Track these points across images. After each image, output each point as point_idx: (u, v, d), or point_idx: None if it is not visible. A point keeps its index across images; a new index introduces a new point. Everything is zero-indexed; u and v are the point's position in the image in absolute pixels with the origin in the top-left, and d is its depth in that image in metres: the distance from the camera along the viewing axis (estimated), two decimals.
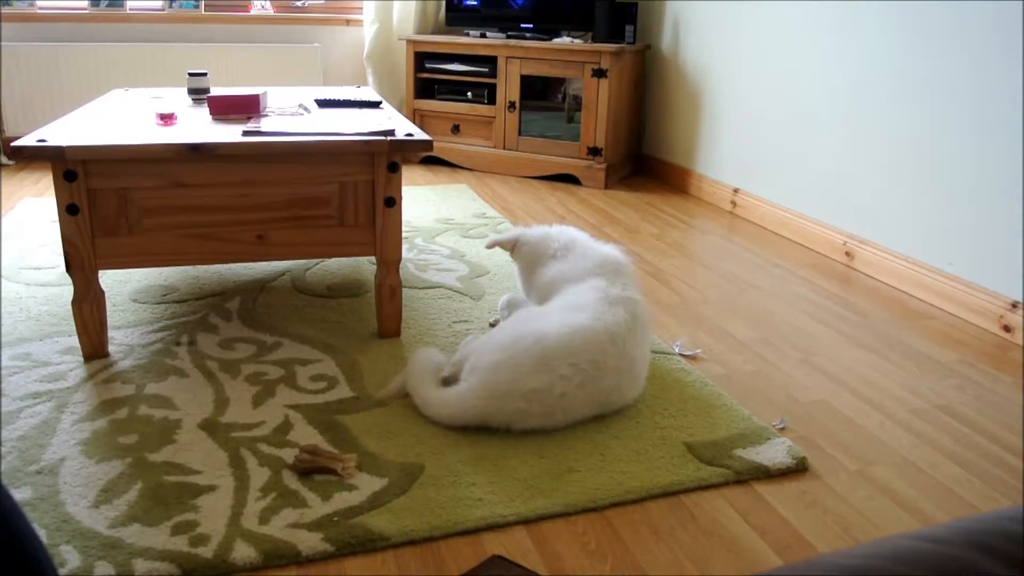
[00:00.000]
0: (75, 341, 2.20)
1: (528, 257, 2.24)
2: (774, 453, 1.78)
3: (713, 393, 2.05)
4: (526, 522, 1.55)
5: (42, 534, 1.46)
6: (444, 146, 4.56)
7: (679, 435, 1.85)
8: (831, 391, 2.12)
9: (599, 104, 4.11)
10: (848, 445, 1.86)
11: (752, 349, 2.35)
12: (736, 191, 3.82)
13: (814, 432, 1.92)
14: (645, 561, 1.46)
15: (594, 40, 4.27)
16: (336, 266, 2.88)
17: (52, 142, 1.94)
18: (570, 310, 1.93)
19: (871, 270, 3.00)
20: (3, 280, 2.68)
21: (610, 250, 2.16)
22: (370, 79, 4.81)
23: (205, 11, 4.62)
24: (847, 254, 3.12)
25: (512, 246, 2.28)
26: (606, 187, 4.21)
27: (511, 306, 2.35)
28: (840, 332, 2.50)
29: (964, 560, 0.61)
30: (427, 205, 3.73)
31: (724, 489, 1.68)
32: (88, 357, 2.14)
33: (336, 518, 1.52)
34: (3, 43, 4.30)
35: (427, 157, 4.70)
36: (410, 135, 2.15)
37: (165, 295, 2.57)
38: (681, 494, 1.66)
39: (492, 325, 2.41)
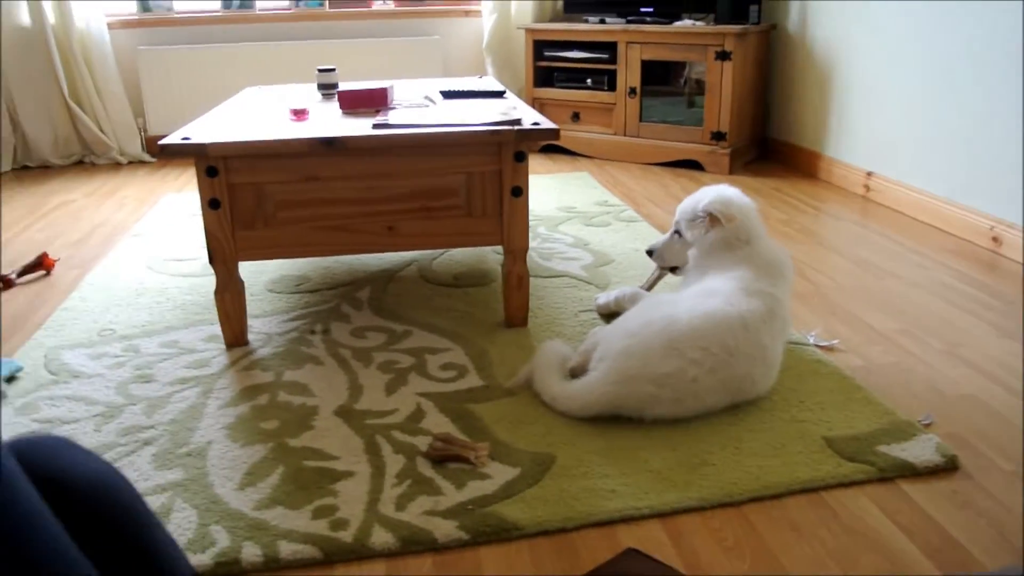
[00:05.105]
0: (217, 330, 2.30)
1: (723, 237, 2.05)
2: (921, 450, 1.70)
3: (852, 386, 1.96)
4: (660, 515, 1.53)
5: (193, 514, 1.54)
6: (564, 134, 4.54)
7: (817, 429, 1.78)
8: (980, 385, 2.00)
9: (723, 87, 4.00)
10: (1001, 443, 1.75)
11: (891, 340, 2.25)
12: (869, 174, 3.65)
13: (963, 429, 1.81)
14: (786, 560, 1.41)
15: (716, 22, 4.16)
16: (461, 256, 2.91)
17: (195, 140, 2.02)
18: (703, 295, 1.90)
19: (1021, 256, 2.82)
20: (150, 271, 2.83)
21: (774, 246, 2.06)
22: (489, 69, 4.84)
23: (329, 8, 4.75)
24: (994, 239, 2.94)
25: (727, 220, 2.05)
26: (731, 172, 4.10)
27: (634, 299, 2.29)
28: (988, 322, 2.35)
29: None
30: (548, 193, 3.73)
31: (867, 487, 1.61)
32: (230, 345, 2.23)
33: (470, 506, 1.54)
34: (144, 47, 4.53)
35: (547, 145, 4.70)
36: (537, 124, 2.14)
37: (299, 285, 2.66)
38: (822, 490, 1.59)
39: (601, 312, 2.38)
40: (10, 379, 2.07)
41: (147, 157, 4.67)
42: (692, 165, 4.22)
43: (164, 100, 4.61)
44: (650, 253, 2.29)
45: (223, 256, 2.13)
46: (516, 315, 2.30)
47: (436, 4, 4.87)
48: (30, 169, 4.55)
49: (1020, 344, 2.22)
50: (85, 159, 4.65)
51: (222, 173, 2.06)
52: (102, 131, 4.56)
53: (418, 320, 2.37)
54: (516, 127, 2.11)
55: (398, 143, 2.09)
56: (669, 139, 4.24)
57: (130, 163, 4.66)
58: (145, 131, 4.68)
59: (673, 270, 2.28)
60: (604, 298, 2.39)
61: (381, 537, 1.46)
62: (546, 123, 2.16)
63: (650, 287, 2.41)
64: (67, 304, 2.56)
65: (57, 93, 4.46)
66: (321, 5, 4.74)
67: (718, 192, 2.10)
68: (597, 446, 1.73)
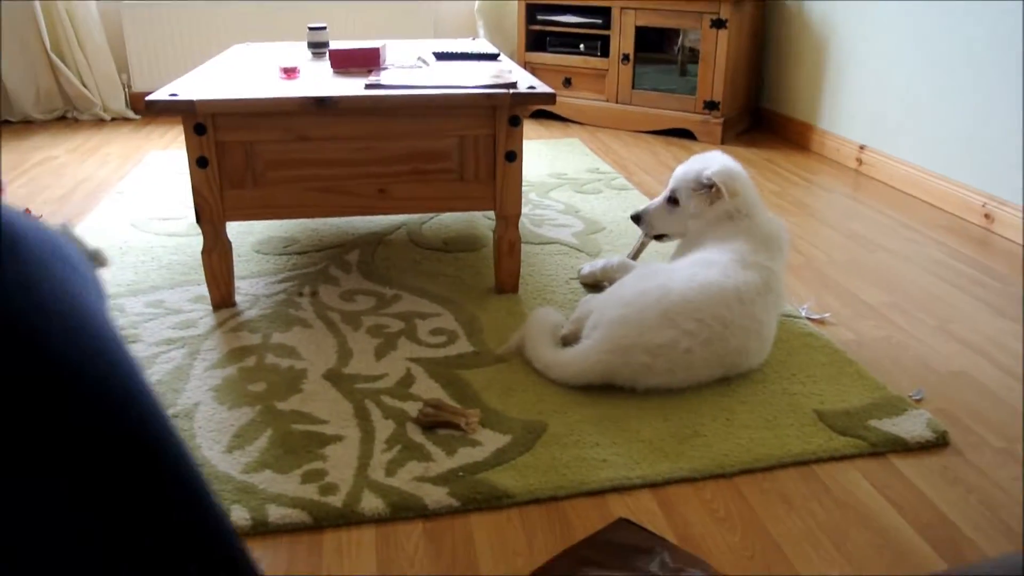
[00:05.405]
0: (204, 290, 2.27)
1: (726, 209, 2.02)
2: (912, 425, 1.70)
3: (843, 359, 1.96)
4: (652, 485, 1.52)
5: None
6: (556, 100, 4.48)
7: (809, 402, 1.78)
8: (972, 362, 2.00)
9: (717, 56, 3.96)
10: (992, 421, 1.75)
11: (883, 314, 2.24)
12: (862, 148, 3.63)
13: (954, 405, 1.81)
14: (777, 532, 1.41)
15: None
16: (450, 220, 2.88)
17: (183, 96, 1.97)
18: (700, 265, 1.87)
19: (1013, 233, 2.82)
20: (135, 229, 2.79)
21: (771, 218, 2.04)
22: (481, 32, 4.77)
23: None
24: (986, 216, 2.94)
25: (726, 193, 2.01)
26: (723, 142, 4.07)
27: (622, 268, 2.23)
28: (980, 299, 2.35)
29: None
30: (539, 159, 3.69)
31: (858, 461, 1.61)
32: (217, 306, 2.20)
33: (461, 473, 1.52)
34: (129, 1, 4.43)
35: (538, 111, 4.64)
36: (532, 88, 2.11)
37: (287, 246, 2.62)
38: (813, 464, 1.59)
39: (586, 281, 2.35)
40: None
41: (131, 114, 4.59)
42: (684, 134, 4.19)
43: (149, 56, 4.52)
44: (637, 219, 2.18)
45: (210, 216, 2.10)
46: (507, 281, 2.28)
47: None
48: (11, 124, 4.46)
49: (1012, 322, 2.22)
50: (68, 114, 4.56)
51: (211, 131, 2.01)
52: (85, 86, 4.47)
53: (407, 284, 2.35)
54: (511, 90, 2.07)
55: (391, 104, 2.05)
56: (661, 107, 4.20)
57: (113, 119, 4.57)
58: (129, 87, 4.59)
59: (659, 237, 2.21)
60: (589, 268, 2.35)
61: (371, 502, 1.45)
62: (542, 87, 2.13)
63: (635, 255, 2.38)
64: None
65: (39, 46, 4.36)
66: None
67: (721, 162, 2.06)
68: (588, 415, 1.71)
